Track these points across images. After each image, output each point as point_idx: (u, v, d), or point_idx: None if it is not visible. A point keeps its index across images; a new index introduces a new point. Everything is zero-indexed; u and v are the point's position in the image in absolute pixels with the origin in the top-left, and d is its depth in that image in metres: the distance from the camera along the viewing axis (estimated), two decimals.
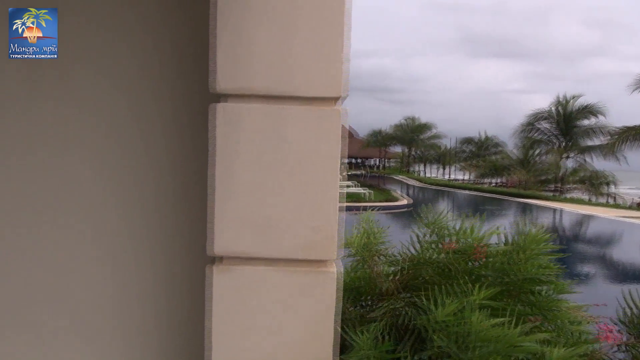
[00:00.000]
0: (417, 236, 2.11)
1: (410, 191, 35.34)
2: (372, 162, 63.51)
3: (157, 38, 1.81)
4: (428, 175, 55.53)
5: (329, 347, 1.58)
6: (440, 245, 2.08)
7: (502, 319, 1.46)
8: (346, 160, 1.59)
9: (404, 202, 23.87)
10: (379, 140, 53.98)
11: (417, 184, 43.48)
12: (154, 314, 1.94)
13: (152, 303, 1.94)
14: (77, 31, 1.84)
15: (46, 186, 1.90)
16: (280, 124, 1.52)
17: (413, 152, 55.08)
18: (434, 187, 40.38)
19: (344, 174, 1.59)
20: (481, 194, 33.66)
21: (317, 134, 1.51)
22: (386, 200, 22.44)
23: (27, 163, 1.92)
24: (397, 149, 57.87)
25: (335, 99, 1.53)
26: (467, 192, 35.69)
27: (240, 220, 1.54)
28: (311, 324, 1.57)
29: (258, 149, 1.52)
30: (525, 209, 25.75)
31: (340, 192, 1.55)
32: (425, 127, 52.39)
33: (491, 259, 1.88)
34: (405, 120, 53.59)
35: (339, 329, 1.60)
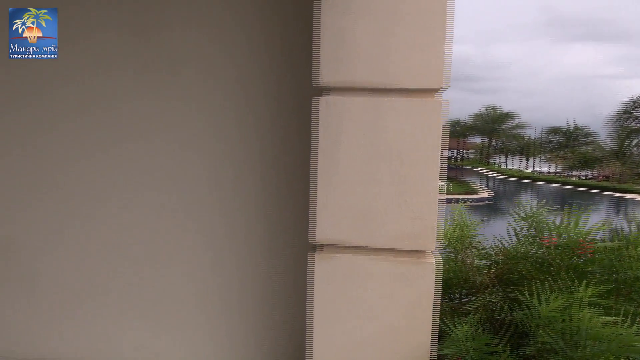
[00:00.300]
0: (515, 230, 2.05)
1: (491, 183, 34.01)
2: (449, 153, 61.61)
3: (267, 34, 1.91)
4: (510, 167, 53.01)
5: (427, 337, 1.59)
6: (538, 239, 2.01)
7: (614, 318, 1.40)
8: (446, 152, 1.59)
9: (485, 194, 23.03)
10: (457, 130, 52.36)
11: (497, 176, 41.75)
12: (260, 298, 2.08)
13: (259, 287, 2.08)
14: (189, 29, 1.97)
15: (159, 183, 2.09)
16: (381, 116, 1.54)
17: (493, 143, 52.81)
18: (516, 179, 38.53)
19: (444, 165, 1.58)
20: (569, 187, 31.65)
21: (418, 125, 1.52)
22: (465, 193, 21.78)
23: (143, 158, 2.10)
24: (476, 140, 55.81)
25: (435, 90, 1.53)
26: (553, 185, 33.70)
27: (341, 210, 1.59)
28: (409, 313, 1.59)
29: (359, 141, 1.56)
30: (619, 203, 23.88)
31: (440, 184, 1.55)
32: (507, 116, 50.09)
33: (597, 255, 1.79)
34: (486, 109, 51.58)
35: (437, 320, 1.61)
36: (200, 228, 2.07)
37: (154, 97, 2.03)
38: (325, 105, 1.56)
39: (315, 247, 1.65)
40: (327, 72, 1.55)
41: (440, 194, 1.55)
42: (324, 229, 1.61)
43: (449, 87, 1.55)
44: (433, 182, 1.54)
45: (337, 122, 1.56)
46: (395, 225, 1.57)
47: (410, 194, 1.55)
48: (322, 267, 1.63)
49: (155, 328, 2.17)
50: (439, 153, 1.53)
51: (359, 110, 1.55)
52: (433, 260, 1.59)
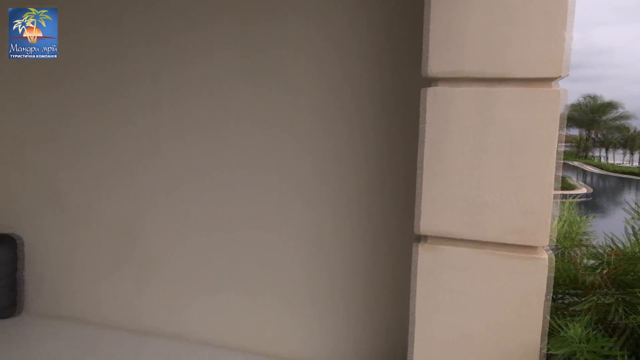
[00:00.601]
0: (633, 228, 1.91)
1: (588, 179, 31.62)
2: None
3: (374, 33, 1.94)
4: (611, 161, 48.89)
5: (537, 335, 1.54)
6: None
7: None
8: (563, 145, 1.51)
9: (583, 190, 21.47)
10: None
11: (596, 171, 38.67)
12: (361, 296, 2.13)
13: (361, 285, 2.13)
14: (298, 26, 2.04)
15: (272, 179, 2.20)
16: (492, 106, 1.50)
17: (593, 136, 48.89)
18: (618, 174, 35.46)
19: (560, 159, 1.51)
20: None
21: (533, 116, 1.46)
22: (561, 189, 20.46)
23: (255, 157, 2.21)
24: (574, 132, 51.90)
25: (554, 79, 1.46)
26: None
27: (447, 202, 1.58)
28: (519, 309, 1.54)
29: (467, 131, 1.53)
30: None
31: (556, 178, 1.49)
32: (609, 106, 46.05)
33: None
34: (584, 99, 47.73)
35: (548, 318, 1.55)
36: (313, 223, 2.16)
37: (261, 85, 2.13)
38: (433, 96, 1.55)
39: (420, 238, 1.65)
40: (436, 63, 1.54)
41: (556, 188, 1.49)
42: (428, 220, 1.60)
43: (567, 75, 1.47)
44: (548, 175, 1.48)
45: (444, 113, 1.54)
46: (504, 219, 1.53)
47: (522, 187, 1.50)
48: (426, 258, 1.62)
49: (267, 315, 2.29)
50: (556, 145, 1.46)
51: (468, 101, 1.52)
52: (545, 256, 1.53)
